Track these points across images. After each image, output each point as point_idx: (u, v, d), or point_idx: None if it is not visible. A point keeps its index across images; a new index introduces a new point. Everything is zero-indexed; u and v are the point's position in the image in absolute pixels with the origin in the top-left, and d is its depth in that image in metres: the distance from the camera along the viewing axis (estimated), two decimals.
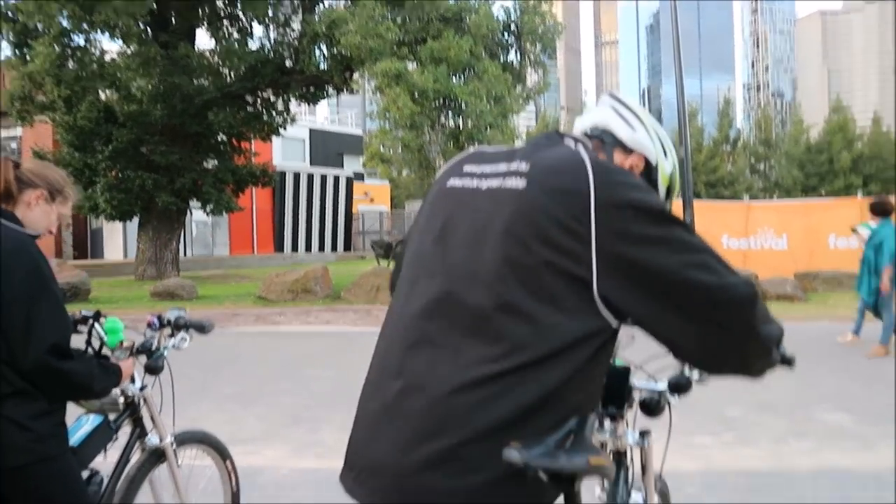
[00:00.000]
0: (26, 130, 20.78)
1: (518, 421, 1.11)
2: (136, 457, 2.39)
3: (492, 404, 1.12)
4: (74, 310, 2.24)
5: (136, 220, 19.07)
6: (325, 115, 46.32)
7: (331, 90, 19.00)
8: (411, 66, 15.75)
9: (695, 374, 1.64)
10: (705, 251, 1.18)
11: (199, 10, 17.87)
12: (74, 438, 2.07)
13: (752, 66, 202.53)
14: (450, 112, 16.45)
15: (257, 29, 18.81)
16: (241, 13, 18.21)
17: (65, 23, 16.07)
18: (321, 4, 17.94)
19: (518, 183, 1.23)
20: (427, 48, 15.26)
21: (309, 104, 20.52)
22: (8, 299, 1.75)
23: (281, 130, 19.78)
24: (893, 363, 6.57)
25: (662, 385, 1.72)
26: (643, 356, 1.76)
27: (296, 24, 17.91)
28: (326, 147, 35.99)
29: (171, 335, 2.50)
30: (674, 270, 1.15)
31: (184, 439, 2.55)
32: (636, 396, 1.73)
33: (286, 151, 32.42)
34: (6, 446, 1.74)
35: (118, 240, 25.82)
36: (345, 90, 18.96)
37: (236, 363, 7.47)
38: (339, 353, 8.00)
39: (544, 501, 1.15)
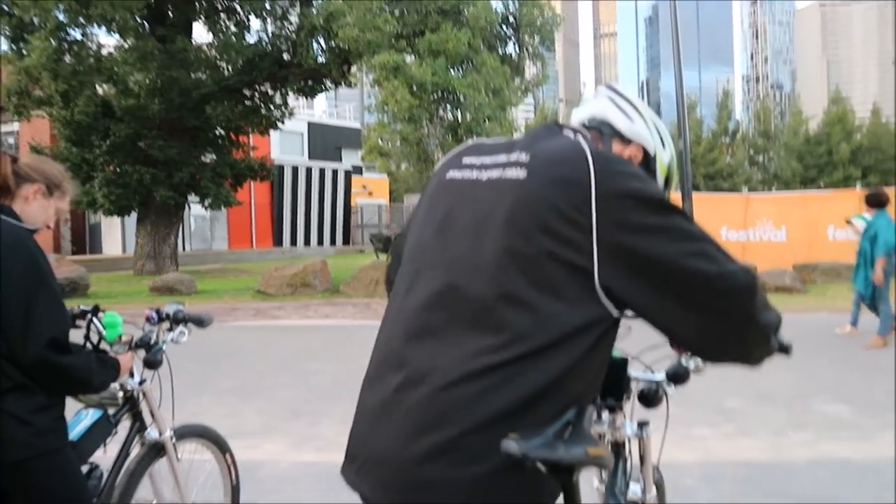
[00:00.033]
0: (23, 125, 20.73)
1: (519, 411, 1.12)
2: (135, 451, 2.39)
3: (493, 395, 1.12)
4: (73, 304, 2.24)
5: (134, 214, 19.05)
6: (323, 108, 46.18)
7: (329, 83, 18.95)
8: (409, 58, 15.70)
9: (692, 364, 1.65)
10: (704, 240, 1.19)
11: (196, 4, 17.82)
12: (74, 433, 2.08)
13: (751, 57, 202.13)
14: (448, 105, 16.41)
15: (255, 22, 18.71)
16: (238, 6, 18.16)
17: (61, 17, 16.00)
18: None
19: (519, 173, 1.23)
20: (425, 41, 15.21)
21: (307, 98, 20.49)
22: (6, 294, 1.74)
23: (279, 124, 19.74)
24: (892, 354, 6.59)
25: (660, 375, 1.72)
26: (639, 347, 1.76)
27: (293, 18, 17.85)
28: (325, 141, 35.94)
29: (170, 329, 2.50)
30: (673, 259, 1.15)
31: (183, 433, 2.55)
32: (634, 387, 1.73)
33: (284, 145, 32.37)
34: (6, 441, 1.74)
35: (116, 235, 25.81)
36: (343, 83, 18.92)
37: (235, 357, 7.48)
38: (338, 346, 8.01)
39: (544, 492, 1.15)
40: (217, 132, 18.89)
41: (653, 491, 1.85)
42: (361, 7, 15.04)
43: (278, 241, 31.02)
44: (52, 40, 15.58)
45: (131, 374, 2.33)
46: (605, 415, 1.70)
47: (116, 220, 23.29)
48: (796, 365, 5.72)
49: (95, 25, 16.50)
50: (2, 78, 16.54)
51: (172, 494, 2.52)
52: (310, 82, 18.62)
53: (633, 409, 1.76)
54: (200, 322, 2.54)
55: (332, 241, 33.26)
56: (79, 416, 2.19)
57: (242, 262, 24.64)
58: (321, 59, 17.52)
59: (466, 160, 1.34)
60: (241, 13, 18.30)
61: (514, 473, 1.09)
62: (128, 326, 2.35)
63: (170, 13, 17.55)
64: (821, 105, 56.83)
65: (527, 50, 17.90)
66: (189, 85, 16.85)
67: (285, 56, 17.87)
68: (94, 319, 2.24)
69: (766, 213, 14.36)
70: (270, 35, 18.31)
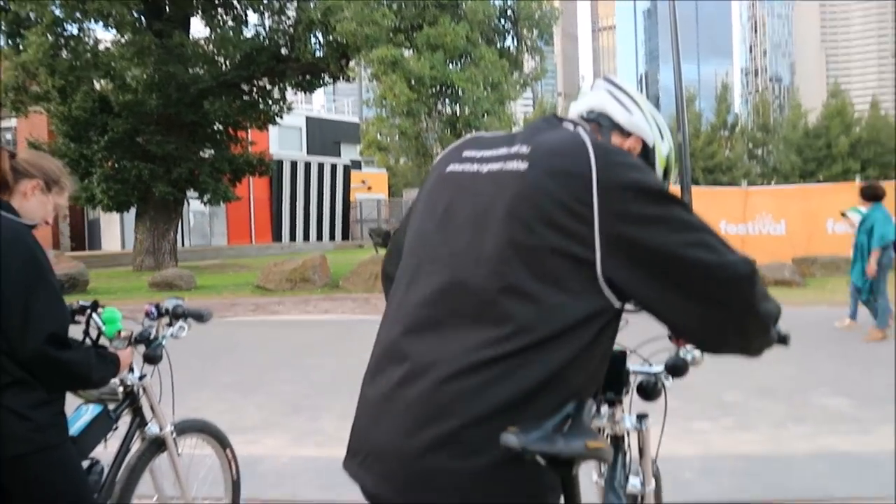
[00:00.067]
0: (21, 121, 20.68)
1: (521, 403, 1.12)
2: (136, 446, 2.39)
3: (495, 387, 1.12)
4: (72, 300, 2.23)
5: (133, 210, 19.04)
6: (321, 103, 46.06)
7: (327, 78, 18.90)
8: (407, 53, 15.66)
9: (689, 356, 1.65)
10: (704, 230, 1.19)
11: None
12: (74, 428, 2.08)
13: (750, 50, 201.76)
14: (447, 99, 16.39)
15: (252, 17, 18.68)
16: (235, 1, 18.08)
17: (57, 12, 15.95)
18: None
19: (519, 165, 1.23)
20: (423, 35, 15.17)
21: (305, 92, 20.43)
22: (5, 289, 1.74)
23: (277, 119, 19.71)
24: (892, 347, 6.60)
25: (658, 368, 1.73)
26: (637, 340, 1.76)
27: (291, 12, 17.79)
28: (323, 135, 35.87)
29: (170, 324, 2.50)
30: (673, 249, 1.16)
31: (184, 428, 2.56)
32: (633, 380, 1.73)
33: (283, 140, 32.32)
34: (6, 436, 1.74)
35: (115, 230, 25.79)
36: (341, 78, 18.87)
37: (235, 352, 7.48)
38: (337, 341, 8.02)
39: (544, 486, 1.16)
40: (215, 127, 18.86)
41: (652, 484, 1.85)
42: (359, 1, 15.00)
43: (277, 237, 31.01)
44: (48, 36, 15.53)
45: (131, 370, 2.33)
46: (605, 408, 1.70)
47: (115, 215, 23.27)
48: (796, 358, 5.74)
49: (92, 20, 16.45)
50: None
51: (173, 489, 2.52)
52: (308, 77, 18.57)
53: (631, 401, 1.76)
54: (200, 317, 2.54)
55: (332, 236, 33.25)
56: (79, 411, 2.19)
57: (242, 257, 24.65)
58: (319, 54, 17.47)
59: (467, 153, 1.34)
60: (239, 7, 18.24)
61: (513, 466, 1.09)
62: (127, 322, 2.35)
63: (167, 8, 17.48)
64: (820, 98, 56.81)
65: (525, 44, 17.86)
66: (186, 80, 16.80)
67: (283, 51, 17.82)
68: (94, 315, 2.24)
69: (766, 206, 14.36)
70: (268, 29, 18.25)
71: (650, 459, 1.85)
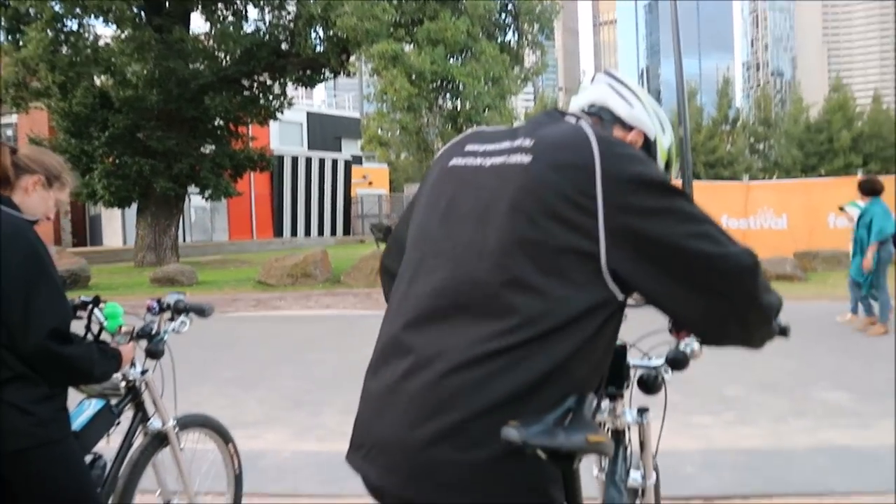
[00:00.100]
0: (22, 117, 20.68)
1: (525, 395, 1.12)
2: (138, 441, 2.40)
3: (499, 379, 1.13)
4: (74, 296, 2.24)
5: (134, 206, 19.04)
6: (322, 98, 45.96)
7: (327, 73, 18.87)
8: (408, 47, 15.63)
9: (689, 349, 1.65)
10: (707, 221, 1.20)
11: None
12: (76, 423, 2.08)
13: (752, 44, 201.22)
14: (447, 94, 16.35)
15: (252, 12, 18.61)
16: None
17: (57, 7, 15.91)
18: None
19: (523, 159, 1.23)
20: (424, 29, 15.14)
21: (306, 87, 20.38)
22: (6, 285, 1.74)
23: (278, 114, 19.67)
24: (892, 341, 6.60)
25: (659, 361, 1.73)
26: (636, 335, 1.77)
27: (291, 7, 17.75)
28: (324, 130, 35.84)
29: (171, 319, 2.51)
30: (676, 241, 1.16)
31: (186, 423, 2.56)
32: (633, 374, 1.74)
33: (284, 135, 32.29)
34: (7, 431, 1.74)
35: (117, 226, 25.80)
36: (342, 73, 18.84)
37: (237, 347, 7.49)
38: (339, 336, 8.03)
39: (545, 479, 1.16)
40: (216, 123, 18.83)
41: (653, 477, 1.85)
42: None
43: (279, 232, 31.01)
44: (48, 31, 15.49)
45: (133, 365, 2.33)
46: (606, 403, 1.70)
47: (117, 211, 23.27)
48: (797, 353, 5.75)
49: (92, 16, 16.41)
50: None
51: (176, 484, 2.53)
52: (308, 72, 18.54)
53: (631, 395, 1.76)
54: (201, 311, 2.54)
55: (333, 232, 33.25)
56: (81, 406, 2.19)
57: (243, 252, 24.66)
58: (319, 49, 17.43)
59: (469, 147, 1.34)
60: (239, 3, 18.20)
61: (515, 460, 1.10)
62: (129, 317, 2.35)
63: (167, 3, 17.46)
64: (821, 92, 56.64)
65: (526, 38, 17.82)
66: (187, 75, 16.78)
67: (283, 46, 17.79)
68: (95, 310, 2.25)
69: (767, 201, 14.34)
70: (268, 24, 18.21)
71: (651, 452, 1.85)
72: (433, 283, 1.24)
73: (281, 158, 29.45)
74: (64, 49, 16.19)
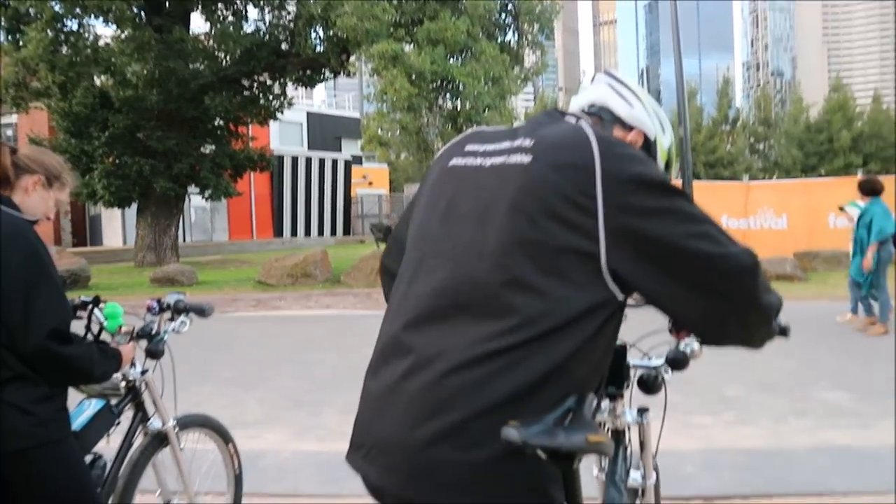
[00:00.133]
0: (22, 117, 20.68)
1: (525, 395, 1.12)
2: (138, 441, 2.40)
3: (499, 378, 1.13)
4: (74, 296, 2.24)
5: (134, 206, 19.04)
6: (322, 98, 45.97)
7: (327, 73, 18.87)
8: (408, 47, 15.63)
9: (689, 349, 1.65)
10: (707, 221, 1.20)
11: None
12: (76, 423, 2.08)
13: (752, 44, 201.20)
14: (447, 94, 16.35)
15: (252, 12, 18.61)
16: None
17: (57, 7, 15.91)
18: None
19: (523, 158, 1.23)
20: (424, 29, 15.14)
21: (306, 87, 20.38)
22: (6, 284, 1.74)
23: (278, 114, 19.68)
24: (892, 342, 6.60)
25: (659, 361, 1.73)
26: (636, 335, 1.77)
27: (291, 7, 17.75)
28: (324, 130, 35.84)
29: (171, 319, 2.51)
30: (676, 240, 1.16)
31: (186, 423, 2.56)
32: (633, 374, 1.74)
33: (284, 135, 32.29)
34: (7, 430, 1.74)
35: (117, 226, 25.81)
36: (342, 73, 18.85)
37: (237, 347, 7.49)
38: (339, 336, 8.03)
39: (546, 479, 1.16)
40: (216, 123, 18.84)
41: (653, 477, 1.85)
42: None
43: (279, 232, 31.01)
44: (48, 31, 15.49)
45: (133, 365, 2.33)
46: (606, 403, 1.70)
47: (117, 211, 23.28)
48: (797, 353, 5.75)
49: (92, 16, 16.41)
50: None
51: (176, 484, 2.53)
52: (308, 72, 18.54)
53: (631, 395, 1.76)
54: (201, 311, 2.54)
55: (333, 232, 33.25)
56: (81, 406, 2.19)
57: (243, 252, 24.66)
58: (319, 49, 17.43)
59: (469, 147, 1.34)
60: (239, 3, 18.20)
61: (514, 460, 1.10)
62: (129, 317, 2.36)
63: (167, 3, 17.46)
64: (821, 92, 56.63)
65: (526, 38, 17.82)
66: (187, 75, 16.78)
67: (283, 46, 17.78)
68: (95, 310, 2.25)
69: (767, 201, 14.34)
70: (268, 24, 18.21)
71: (651, 452, 1.85)
72: (433, 283, 1.24)
73: (281, 158, 29.45)
74: (64, 49, 16.19)
